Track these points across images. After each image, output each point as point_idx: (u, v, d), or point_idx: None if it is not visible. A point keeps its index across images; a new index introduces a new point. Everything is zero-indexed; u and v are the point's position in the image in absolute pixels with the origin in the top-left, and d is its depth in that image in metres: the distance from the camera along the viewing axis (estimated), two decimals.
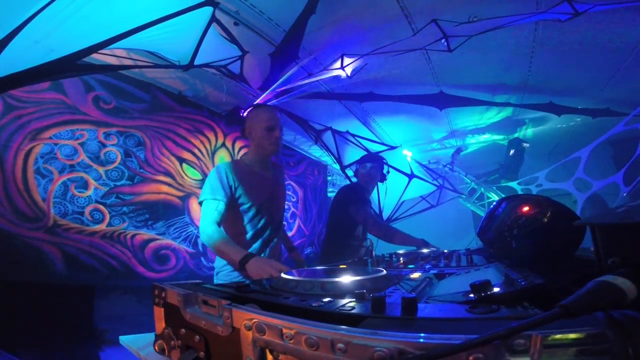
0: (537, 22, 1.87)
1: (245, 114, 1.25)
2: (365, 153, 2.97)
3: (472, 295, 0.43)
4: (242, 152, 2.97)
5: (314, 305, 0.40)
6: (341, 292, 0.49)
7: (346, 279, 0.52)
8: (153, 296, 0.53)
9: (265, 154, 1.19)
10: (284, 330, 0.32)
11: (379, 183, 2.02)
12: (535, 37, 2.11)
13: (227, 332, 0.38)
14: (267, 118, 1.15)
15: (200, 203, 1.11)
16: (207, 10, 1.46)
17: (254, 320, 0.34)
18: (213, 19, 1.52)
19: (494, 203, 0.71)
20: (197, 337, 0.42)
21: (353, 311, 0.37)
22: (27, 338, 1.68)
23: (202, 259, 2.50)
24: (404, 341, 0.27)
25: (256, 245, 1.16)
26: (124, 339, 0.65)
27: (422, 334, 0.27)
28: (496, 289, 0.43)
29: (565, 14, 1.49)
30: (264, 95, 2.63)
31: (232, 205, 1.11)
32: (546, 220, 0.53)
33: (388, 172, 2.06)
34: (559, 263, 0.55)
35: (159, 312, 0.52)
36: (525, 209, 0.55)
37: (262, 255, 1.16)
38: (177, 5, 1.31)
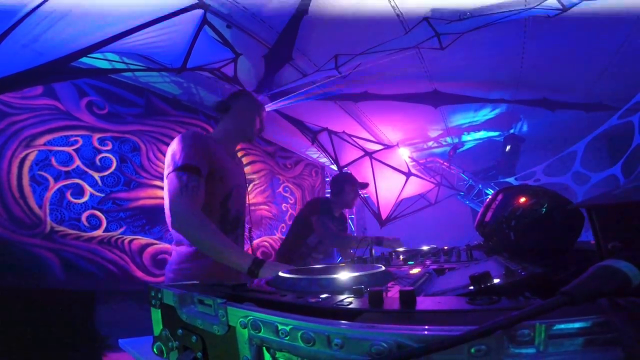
0: (526, 18, 1.88)
1: (233, 94, 1.16)
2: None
3: (471, 287, 0.42)
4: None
5: (311, 301, 0.40)
6: (339, 289, 0.49)
7: (344, 275, 0.52)
8: (149, 298, 0.52)
9: (242, 138, 1.14)
10: (279, 327, 0.31)
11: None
12: (526, 33, 2.13)
13: (223, 331, 0.37)
14: (260, 107, 1.15)
15: (168, 176, 0.87)
16: (198, 13, 1.46)
17: (249, 318, 0.34)
18: (204, 22, 1.52)
19: (491, 195, 0.71)
20: (194, 337, 0.41)
21: (350, 306, 0.37)
22: (27, 345, 1.66)
23: None
24: (402, 334, 0.26)
25: (206, 259, 0.93)
26: (123, 343, 0.64)
27: (421, 327, 0.27)
28: (496, 280, 0.42)
29: (554, 9, 1.51)
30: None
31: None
32: (544, 210, 0.53)
33: (360, 190, 2.07)
34: (559, 254, 0.54)
35: (156, 314, 0.51)
36: (522, 199, 0.55)
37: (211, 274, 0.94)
38: (167, 8, 1.31)
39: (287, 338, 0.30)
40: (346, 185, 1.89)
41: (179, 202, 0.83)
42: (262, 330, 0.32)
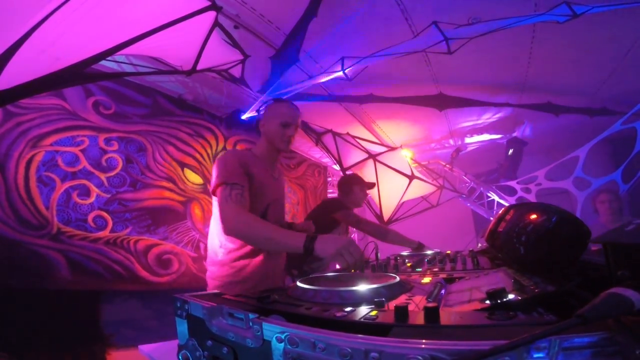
0: (534, 23, 1.90)
1: (262, 108, 1.22)
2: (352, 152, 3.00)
3: (488, 301, 0.45)
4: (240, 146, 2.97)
5: (338, 315, 0.42)
6: (359, 301, 0.51)
7: (363, 287, 0.54)
8: (175, 308, 0.54)
9: (274, 150, 1.15)
10: (317, 343, 0.33)
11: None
12: (534, 38, 2.14)
13: (257, 345, 0.39)
14: (285, 113, 1.11)
15: (214, 192, 1.00)
16: (210, 15, 1.46)
17: (286, 334, 0.36)
18: (216, 24, 1.52)
19: (502, 210, 0.73)
20: (225, 348, 0.43)
21: (378, 320, 0.39)
22: (34, 344, 1.68)
23: (204, 262, 2.51)
24: (435, 348, 0.29)
25: (258, 257, 1.08)
26: (144, 349, 0.66)
27: (452, 341, 0.30)
28: (511, 296, 0.45)
29: (564, 15, 1.51)
30: (261, 99, 2.63)
31: None
32: (554, 227, 0.55)
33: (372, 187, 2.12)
34: (565, 267, 0.57)
35: (181, 324, 0.53)
36: (533, 216, 0.57)
37: (260, 266, 1.09)
38: (181, 10, 1.32)
39: (323, 352, 0.33)
40: (355, 186, 1.95)
41: (226, 210, 0.94)
42: (300, 346, 0.34)
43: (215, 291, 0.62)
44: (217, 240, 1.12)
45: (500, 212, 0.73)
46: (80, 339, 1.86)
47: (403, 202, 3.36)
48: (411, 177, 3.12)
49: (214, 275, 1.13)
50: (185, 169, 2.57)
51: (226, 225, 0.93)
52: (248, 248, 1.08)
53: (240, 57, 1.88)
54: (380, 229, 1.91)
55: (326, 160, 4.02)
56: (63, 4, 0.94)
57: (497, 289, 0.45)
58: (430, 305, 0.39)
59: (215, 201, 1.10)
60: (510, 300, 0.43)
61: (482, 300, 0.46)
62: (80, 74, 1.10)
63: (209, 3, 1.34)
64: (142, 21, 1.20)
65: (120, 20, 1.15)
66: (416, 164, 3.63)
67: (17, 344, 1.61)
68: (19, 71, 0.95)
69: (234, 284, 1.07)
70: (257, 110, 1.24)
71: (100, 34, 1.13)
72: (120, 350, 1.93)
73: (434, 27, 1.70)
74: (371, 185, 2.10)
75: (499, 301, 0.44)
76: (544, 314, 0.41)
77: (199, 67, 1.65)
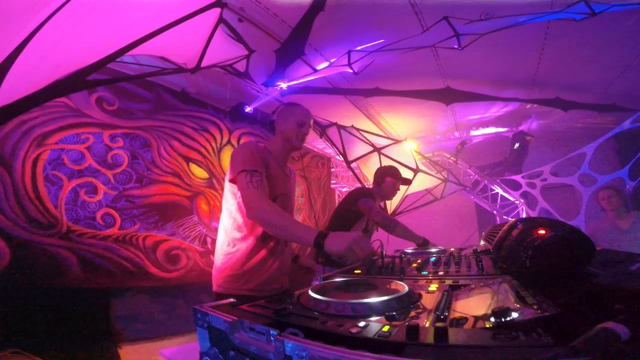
0: (549, 20, 1.82)
1: (277, 110, 1.28)
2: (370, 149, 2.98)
3: (492, 318, 0.48)
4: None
5: (353, 332, 0.45)
6: (371, 313, 0.54)
7: (374, 299, 0.57)
8: (195, 318, 0.57)
9: (289, 147, 1.23)
10: None
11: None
12: (547, 34, 2.07)
13: (279, 359, 0.42)
14: (300, 114, 1.23)
15: (232, 180, 1.04)
16: (214, 12, 1.42)
17: (307, 351, 0.39)
18: (220, 20, 1.49)
19: (510, 222, 0.74)
20: (248, 359, 0.47)
21: (391, 338, 0.42)
22: (47, 341, 1.71)
23: (212, 257, 2.57)
24: None
25: (261, 252, 1.10)
26: (165, 353, 0.70)
27: None
28: (514, 314, 0.48)
29: (581, 13, 1.45)
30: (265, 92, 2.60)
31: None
32: (560, 243, 0.57)
33: (408, 182, 2.08)
34: (568, 279, 0.59)
35: (202, 333, 0.56)
36: (541, 232, 0.59)
37: (267, 265, 1.11)
38: (185, 9, 1.28)
39: None
40: (387, 177, 1.95)
41: (249, 195, 0.98)
42: None
43: (232, 300, 0.65)
44: (223, 232, 1.14)
45: (507, 224, 0.75)
46: (92, 334, 1.89)
47: (407, 195, 3.38)
48: (416, 171, 3.12)
49: (218, 267, 1.14)
50: (191, 164, 2.58)
51: (249, 209, 0.98)
52: (253, 241, 1.10)
53: (245, 52, 1.85)
54: (390, 221, 1.91)
55: (329, 151, 4.01)
56: (61, 6, 0.91)
57: (502, 308, 0.47)
58: (439, 325, 0.42)
59: (228, 191, 1.14)
60: (513, 319, 0.46)
61: (488, 318, 0.49)
62: (84, 82, 1.08)
63: (213, 0, 1.30)
64: (146, 22, 1.17)
65: (122, 22, 1.12)
66: (420, 156, 3.61)
67: (31, 341, 1.64)
68: (20, 80, 0.92)
69: (236, 277, 1.08)
70: (273, 113, 1.29)
71: (102, 37, 1.10)
72: (132, 344, 1.97)
73: (445, 22, 1.64)
74: (407, 182, 2.07)
75: (502, 320, 0.47)
76: (543, 336, 0.44)
77: (203, 64, 1.63)
